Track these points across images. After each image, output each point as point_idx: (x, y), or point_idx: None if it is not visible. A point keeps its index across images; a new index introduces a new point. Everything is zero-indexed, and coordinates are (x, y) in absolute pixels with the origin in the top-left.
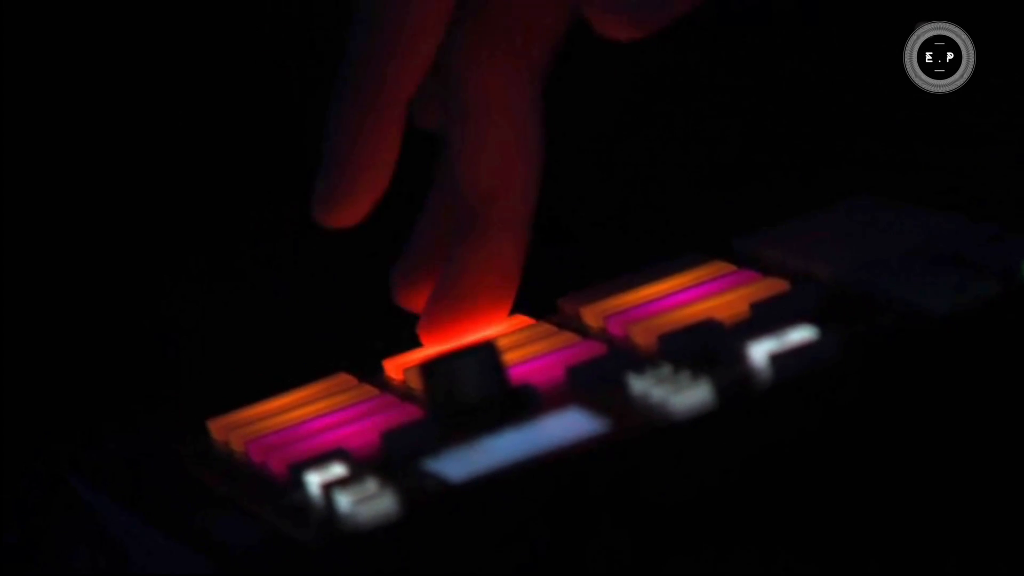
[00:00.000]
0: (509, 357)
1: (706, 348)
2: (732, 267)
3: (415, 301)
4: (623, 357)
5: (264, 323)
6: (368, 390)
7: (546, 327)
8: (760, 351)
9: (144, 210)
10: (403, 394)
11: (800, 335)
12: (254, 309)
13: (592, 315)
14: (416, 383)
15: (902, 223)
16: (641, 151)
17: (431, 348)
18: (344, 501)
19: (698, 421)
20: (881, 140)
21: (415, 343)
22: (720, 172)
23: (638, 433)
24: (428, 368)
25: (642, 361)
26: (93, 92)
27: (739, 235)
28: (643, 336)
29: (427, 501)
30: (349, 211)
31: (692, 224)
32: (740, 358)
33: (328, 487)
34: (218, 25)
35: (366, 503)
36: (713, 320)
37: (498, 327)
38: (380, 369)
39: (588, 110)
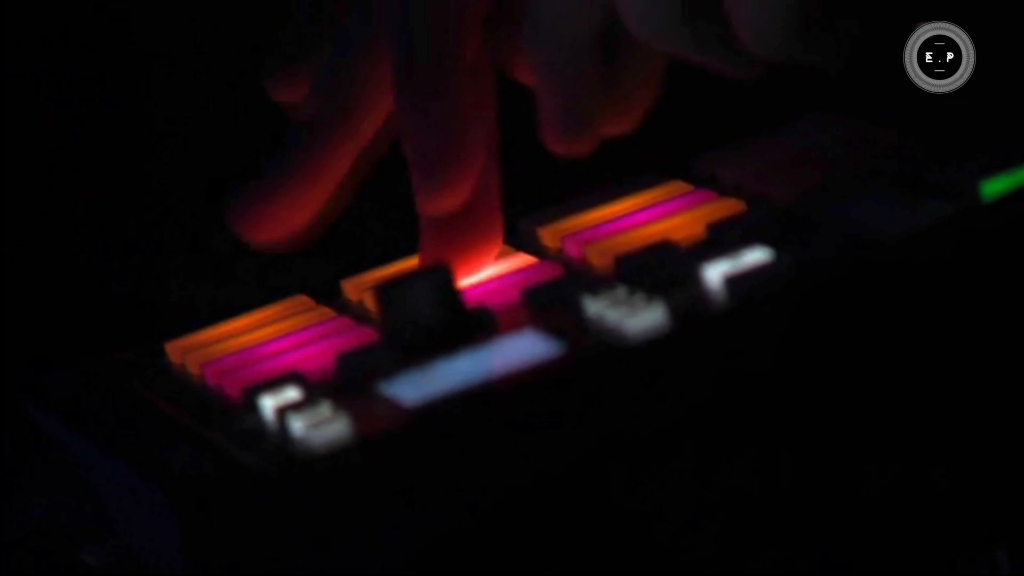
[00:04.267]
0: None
1: (662, 270)
2: (689, 187)
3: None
4: (578, 279)
5: (223, 243)
6: (325, 312)
7: (503, 248)
8: (715, 273)
9: (97, 146)
10: (361, 316)
11: (755, 257)
12: (214, 230)
13: (549, 236)
14: (372, 305)
15: (858, 142)
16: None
17: (400, 266)
18: (298, 425)
19: (652, 343)
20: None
21: (376, 263)
22: (679, 92)
23: (593, 355)
24: (383, 290)
25: (597, 283)
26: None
27: (696, 154)
28: (599, 258)
29: (381, 425)
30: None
31: (649, 143)
32: (695, 280)
33: (282, 411)
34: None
35: (320, 427)
36: (669, 242)
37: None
38: (339, 290)
39: None
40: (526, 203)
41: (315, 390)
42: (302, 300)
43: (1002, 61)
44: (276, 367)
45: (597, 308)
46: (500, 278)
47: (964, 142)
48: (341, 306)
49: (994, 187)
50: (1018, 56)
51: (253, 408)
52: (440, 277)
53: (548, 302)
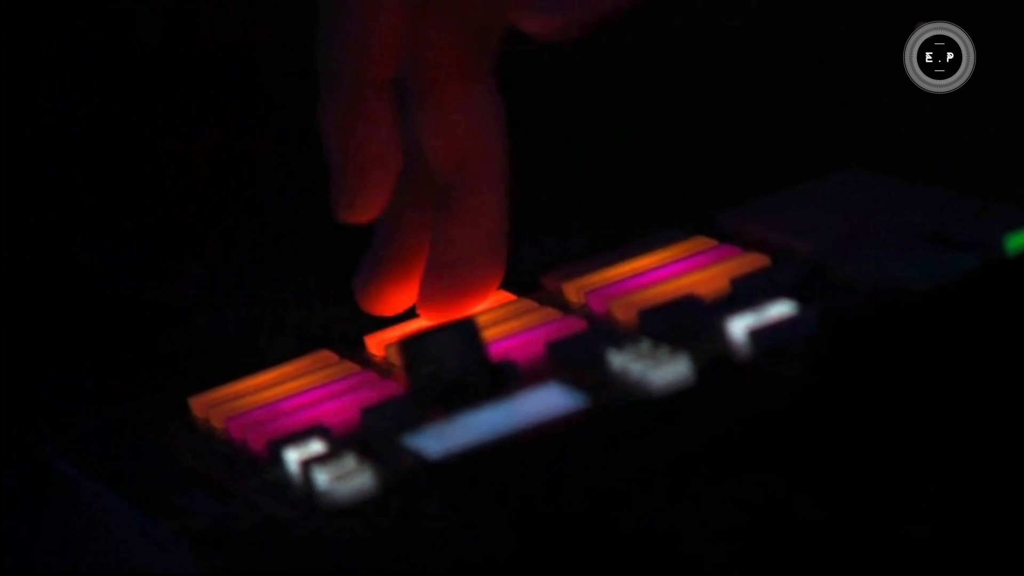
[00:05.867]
0: (490, 333)
1: (686, 323)
2: (713, 242)
3: (382, 305)
4: (602, 333)
5: (248, 298)
6: (349, 366)
7: (527, 303)
8: (739, 326)
9: (126, 191)
10: (384, 370)
11: (779, 310)
12: (239, 284)
13: (574, 291)
14: (396, 359)
15: (884, 197)
16: (625, 124)
17: (424, 322)
18: (322, 478)
19: (676, 396)
20: (881, 140)
21: (397, 319)
22: (704, 147)
23: (617, 408)
24: (407, 344)
25: (621, 336)
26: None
27: (722, 208)
28: (624, 312)
29: (405, 478)
30: (364, 210)
31: (675, 197)
32: (719, 333)
33: (307, 464)
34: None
35: (344, 480)
36: (693, 296)
37: (494, 292)
38: (362, 345)
39: (575, 80)
40: (551, 258)
41: (339, 443)
42: (326, 355)
43: (1002, 61)
44: (300, 420)
45: (621, 361)
46: (525, 331)
47: (988, 196)
48: (364, 360)
49: (1018, 241)
50: (1018, 56)
51: (278, 461)
52: (465, 331)
53: (572, 355)
